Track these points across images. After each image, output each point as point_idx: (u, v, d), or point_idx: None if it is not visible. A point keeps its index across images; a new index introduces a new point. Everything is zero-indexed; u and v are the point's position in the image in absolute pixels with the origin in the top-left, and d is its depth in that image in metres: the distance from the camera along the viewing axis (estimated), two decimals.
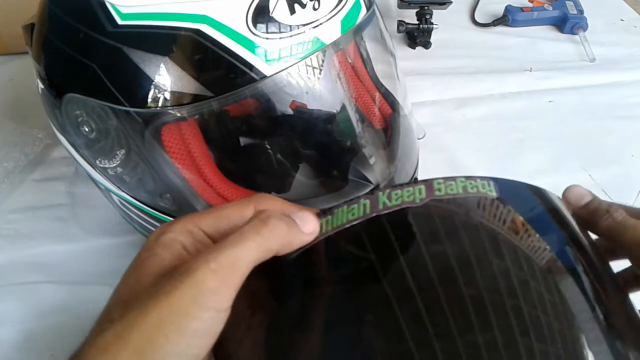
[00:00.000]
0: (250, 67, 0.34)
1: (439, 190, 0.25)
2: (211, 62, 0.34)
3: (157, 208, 0.43)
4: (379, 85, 0.53)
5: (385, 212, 0.24)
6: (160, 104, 0.35)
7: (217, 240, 0.24)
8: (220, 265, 0.21)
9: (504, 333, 0.21)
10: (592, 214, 0.27)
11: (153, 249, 0.23)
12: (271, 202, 0.26)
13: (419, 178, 0.49)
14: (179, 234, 0.23)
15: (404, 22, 0.78)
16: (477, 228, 0.24)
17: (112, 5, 0.34)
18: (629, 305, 0.25)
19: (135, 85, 0.34)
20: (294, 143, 0.54)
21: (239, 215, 0.25)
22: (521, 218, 0.25)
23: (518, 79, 0.74)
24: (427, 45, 0.79)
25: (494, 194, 0.25)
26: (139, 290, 0.22)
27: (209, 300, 0.20)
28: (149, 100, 0.35)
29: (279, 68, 0.35)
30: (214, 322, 0.21)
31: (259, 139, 0.54)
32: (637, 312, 0.24)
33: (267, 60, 0.34)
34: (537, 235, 0.24)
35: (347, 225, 0.24)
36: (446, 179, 0.26)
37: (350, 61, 0.51)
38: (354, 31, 0.39)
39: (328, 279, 0.24)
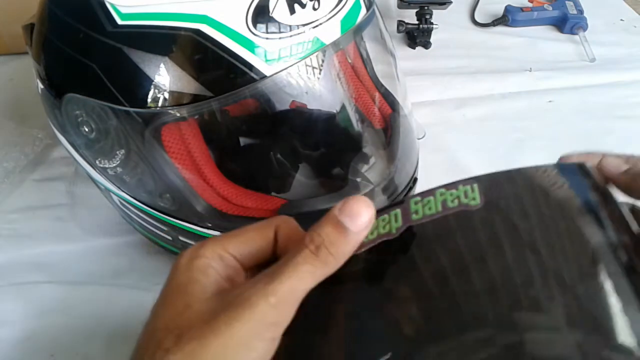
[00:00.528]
0: (250, 67, 0.34)
1: (416, 212, 0.23)
2: (211, 62, 0.34)
3: (157, 208, 0.43)
4: (379, 85, 0.53)
5: (363, 250, 0.23)
6: (160, 104, 0.35)
7: (244, 263, 0.25)
8: (279, 300, 0.21)
9: (516, 253, 0.21)
10: (638, 176, 0.24)
11: (191, 274, 0.23)
12: (289, 226, 0.26)
13: (419, 178, 0.49)
14: (211, 259, 0.24)
15: (404, 22, 0.78)
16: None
17: (112, 5, 0.34)
18: None
19: (135, 85, 0.34)
20: (294, 143, 0.54)
21: (264, 239, 0.25)
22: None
23: (518, 79, 0.74)
24: (427, 45, 0.79)
25: (477, 203, 0.23)
26: (192, 318, 0.22)
27: (268, 331, 0.21)
28: (149, 100, 0.35)
29: (279, 68, 0.35)
30: (270, 350, 0.21)
31: (259, 139, 0.54)
32: None
33: (267, 60, 0.34)
34: (559, 174, 0.23)
35: None
36: (424, 194, 0.24)
37: (350, 61, 0.51)
38: (354, 31, 0.39)
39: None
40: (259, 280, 0.22)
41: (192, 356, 0.20)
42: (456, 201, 0.23)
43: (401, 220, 0.23)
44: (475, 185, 0.23)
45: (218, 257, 0.24)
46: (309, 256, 0.22)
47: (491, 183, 0.24)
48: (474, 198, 0.23)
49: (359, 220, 0.22)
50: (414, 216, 0.23)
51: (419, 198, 0.24)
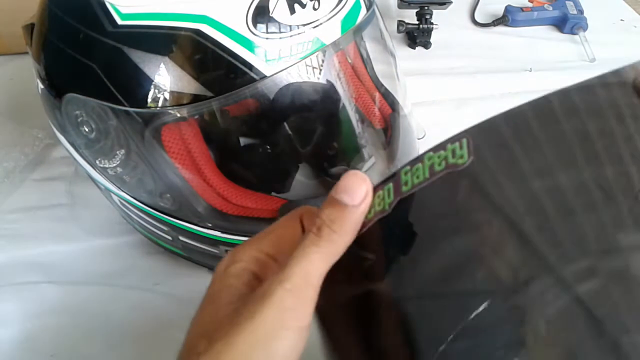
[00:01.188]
0: (250, 67, 0.34)
1: (406, 184, 0.22)
2: (211, 62, 0.34)
3: (157, 208, 0.43)
4: (379, 85, 0.53)
5: (363, 230, 0.23)
6: (160, 104, 0.35)
7: (280, 259, 0.25)
8: (294, 284, 0.21)
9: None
10: None
11: (225, 280, 0.24)
12: (311, 214, 0.26)
13: None
14: (247, 262, 0.24)
15: (404, 22, 0.78)
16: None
17: (112, 5, 0.34)
18: None
19: (135, 85, 0.34)
20: (294, 143, 0.54)
21: (293, 231, 0.25)
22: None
23: (518, 79, 0.74)
24: (427, 45, 0.79)
25: (464, 160, 0.20)
26: (220, 320, 0.22)
27: (290, 318, 0.21)
28: (149, 100, 0.35)
29: (279, 68, 0.35)
30: (297, 341, 0.21)
31: (259, 139, 0.54)
32: None
33: (267, 60, 0.34)
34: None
35: None
36: (414, 161, 0.22)
37: (350, 61, 0.51)
38: (354, 31, 0.39)
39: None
40: (275, 272, 0.22)
41: (220, 356, 0.20)
42: (443, 163, 0.21)
43: (393, 195, 0.22)
44: (464, 141, 0.21)
45: (254, 259, 0.24)
46: (313, 238, 0.22)
47: (485, 131, 0.22)
48: (462, 156, 0.21)
49: (355, 193, 0.23)
50: (404, 188, 0.22)
51: (408, 167, 0.22)
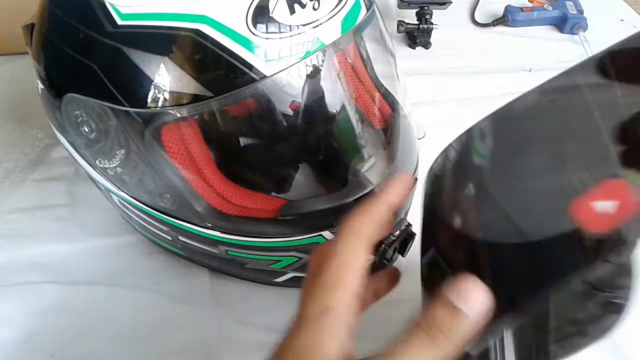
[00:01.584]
0: (250, 67, 0.34)
1: None
2: (211, 62, 0.34)
3: (157, 208, 0.43)
4: (378, 85, 0.53)
5: None
6: (160, 104, 0.35)
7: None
8: None
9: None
10: None
11: (317, 336, 0.22)
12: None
13: (419, 178, 0.49)
14: (340, 309, 0.23)
15: (404, 22, 0.78)
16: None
17: (112, 5, 0.34)
18: None
19: (135, 85, 0.34)
20: (294, 143, 0.54)
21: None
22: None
23: (518, 79, 0.74)
24: (427, 45, 0.79)
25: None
26: None
27: None
28: (149, 100, 0.35)
29: (279, 68, 0.35)
30: None
31: (259, 139, 0.54)
32: None
33: (266, 60, 0.34)
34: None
35: None
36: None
37: (350, 61, 0.51)
38: (354, 31, 0.39)
39: None
40: None
41: None
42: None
43: None
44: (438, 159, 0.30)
45: (347, 305, 0.23)
46: (420, 337, 0.21)
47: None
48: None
49: (470, 300, 0.21)
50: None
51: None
